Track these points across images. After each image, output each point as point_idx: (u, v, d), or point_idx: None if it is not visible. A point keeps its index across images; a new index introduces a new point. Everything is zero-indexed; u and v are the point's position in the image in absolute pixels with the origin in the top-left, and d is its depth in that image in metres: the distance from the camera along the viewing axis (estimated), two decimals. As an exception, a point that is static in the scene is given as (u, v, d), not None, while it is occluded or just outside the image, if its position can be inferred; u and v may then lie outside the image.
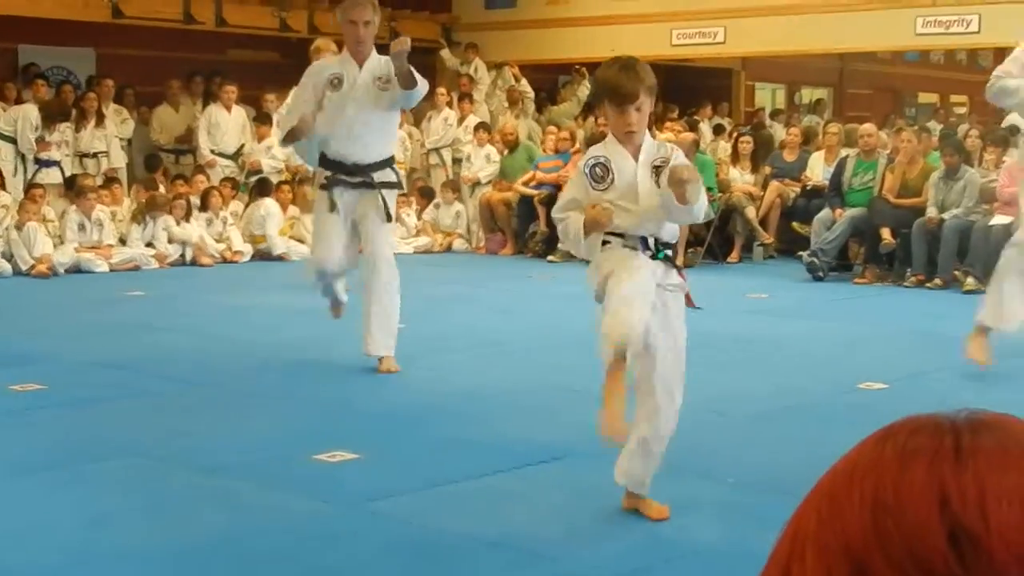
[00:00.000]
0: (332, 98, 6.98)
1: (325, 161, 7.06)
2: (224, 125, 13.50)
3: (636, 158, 4.38)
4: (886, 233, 11.22)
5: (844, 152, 12.89)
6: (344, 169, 6.99)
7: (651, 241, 4.36)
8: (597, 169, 4.39)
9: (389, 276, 7.01)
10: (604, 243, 4.37)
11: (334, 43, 10.04)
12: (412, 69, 6.75)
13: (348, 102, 6.93)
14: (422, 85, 6.90)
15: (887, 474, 0.91)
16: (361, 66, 6.95)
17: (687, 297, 4.48)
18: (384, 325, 6.96)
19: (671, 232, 4.43)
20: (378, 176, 6.99)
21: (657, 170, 4.34)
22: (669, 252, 4.42)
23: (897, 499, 0.89)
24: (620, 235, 4.35)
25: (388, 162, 7.11)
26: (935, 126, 17.55)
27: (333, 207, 6.96)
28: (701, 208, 4.33)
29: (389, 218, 7.10)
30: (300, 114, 6.96)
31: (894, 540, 0.87)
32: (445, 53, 17.23)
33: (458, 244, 14.23)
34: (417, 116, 16.35)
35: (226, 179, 13.39)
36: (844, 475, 0.94)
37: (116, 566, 3.88)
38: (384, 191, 7.00)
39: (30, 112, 12.97)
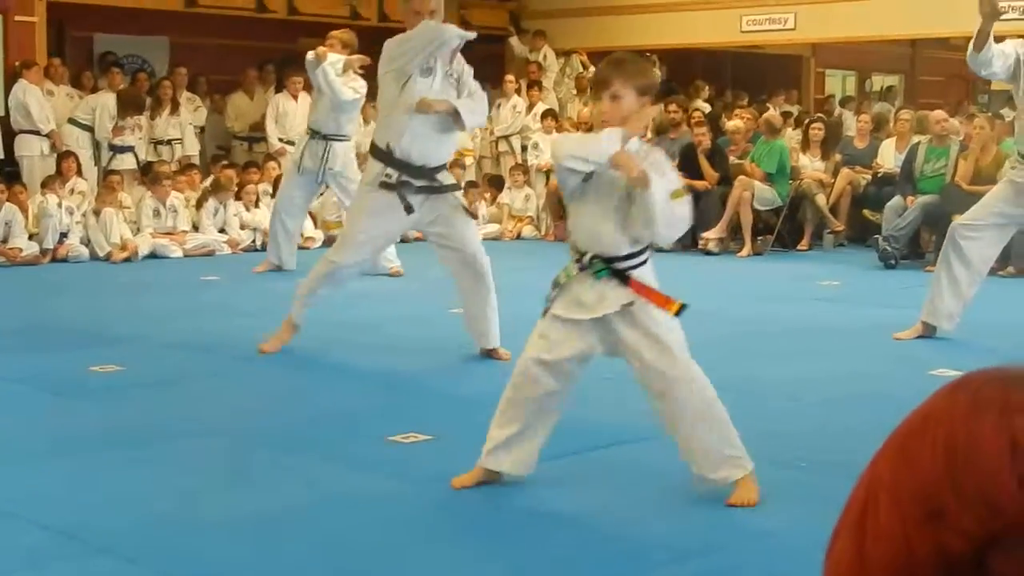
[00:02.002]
0: (421, 85, 6.50)
1: (389, 158, 6.59)
2: (292, 114, 13.62)
3: None
4: (959, 220, 11.11)
5: (916, 139, 12.78)
6: (411, 171, 6.60)
7: (586, 258, 4.22)
8: None
9: (488, 271, 6.87)
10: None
11: (348, 35, 10.14)
12: (458, 111, 6.51)
13: (429, 95, 6.52)
14: (471, 117, 6.65)
15: (959, 422, 0.95)
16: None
17: (662, 300, 4.24)
18: (495, 318, 6.91)
19: (619, 245, 4.22)
20: (441, 178, 6.74)
21: None
22: (620, 266, 4.21)
23: (969, 445, 0.93)
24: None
25: (445, 164, 6.90)
26: (1008, 113, 17.34)
27: (410, 209, 6.57)
28: (670, 223, 4.15)
29: (468, 213, 6.94)
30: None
31: (967, 483, 0.91)
32: (513, 40, 17.28)
33: (527, 231, 14.28)
34: (486, 104, 16.40)
35: (297, 166, 13.46)
36: (917, 424, 0.98)
37: (205, 534, 3.97)
38: (435, 196, 6.70)
39: (108, 101, 13.21)
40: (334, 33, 10.21)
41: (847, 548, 0.99)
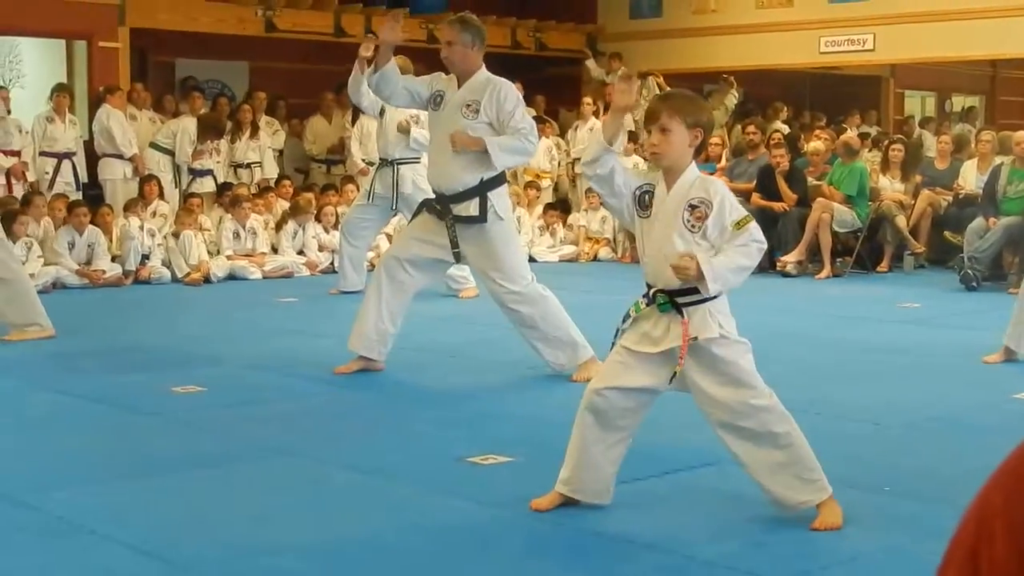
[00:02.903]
0: (431, 117, 6.91)
1: None
2: (375, 135, 13.69)
3: (669, 189, 4.26)
4: (1042, 242, 10.96)
5: (998, 160, 12.62)
6: (436, 196, 6.91)
7: (652, 291, 4.25)
8: (645, 196, 4.29)
9: (521, 306, 6.83)
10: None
11: (403, 60, 10.15)
12: (490, 147, 6.58)
13: (440, 124, 6.76)
14: (502, 156, 6.66)
15: None
16: (461, 85, 6.72)
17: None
18: (551, 343, 6.87)
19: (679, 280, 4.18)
20: (458, 208, 6.72)
21: (692, 210, 4.19)
22: (682, 300, 4.19)
23: None
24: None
25: (473, 192, 6.72)
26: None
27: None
28: (726, 282, 4.14)
29: (457, 257, 6.88)
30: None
31: None
32: (590, 63, 17.30)
33: (603, 253, 14.25)
34: (562, 127, 16.45)
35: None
36: None
37: (277, 560, 3.98)
38: (462, 226, 6.73)
39: (189, 126, 13.38)
40: None
41: None
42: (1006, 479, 0.95)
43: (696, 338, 4.18)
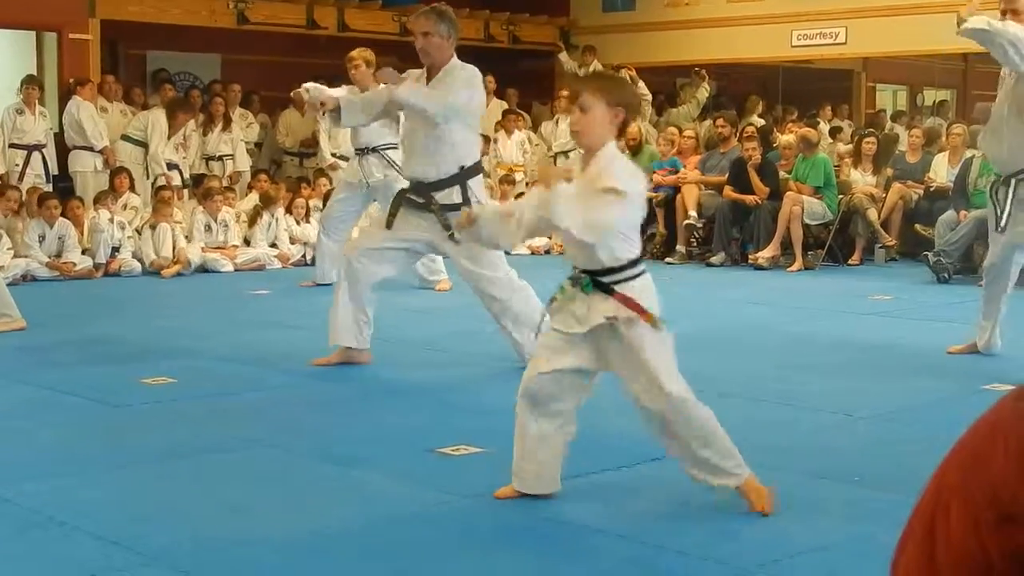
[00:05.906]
0: (407, 112, 6.97)
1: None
2: (344, 128, 13.66)
3: (585, 168, 4.23)
4: (1012, 235, 11.00)
5: (968, 153, 12.68)
6: (411, 187, 6.94)
7: (576, 273, 4.27)
8: None
9: (496, 291, 6.87)
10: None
11: (369, 53, 10.15)
12: (401, 86, 6.64)
13: (412, 117, 6.87)
14: (412, 96, 6.64)
15: None
16: (431, 79, 6.80)
17: (639, 309, 4.19)
18: (525, 333, 6.83)
19: (599, 259, 4.19)
20: (440, 196, 6.76)
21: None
22: (604, 280, 4.21)
23: None
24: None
25: (453, 180, 6.78)
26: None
27: (389, 224, 6.94)
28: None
29: (452, 238, 6.79)
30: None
31: None
32: (563, 56, 17.29)
33: (576, 246, 14.24)
34: (535, 120, 16.45)
35: (347, 182, 13.53)
36: (986, 431, 0.96)
37: (253, 551, 3.97)
38: (448, 214, 6.69)
39: (160, 117, 13.30)
40: (354, 54, 10.21)
41: (916, 557, 0.97)
42: (961, 456, 0.97)
43: (616, 317, 4.19)
